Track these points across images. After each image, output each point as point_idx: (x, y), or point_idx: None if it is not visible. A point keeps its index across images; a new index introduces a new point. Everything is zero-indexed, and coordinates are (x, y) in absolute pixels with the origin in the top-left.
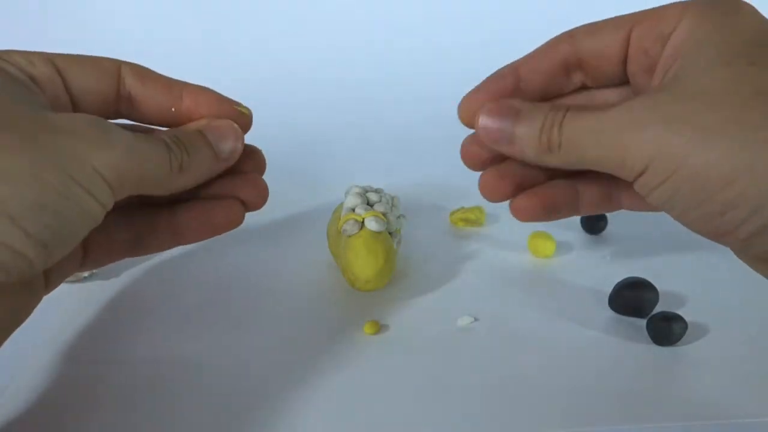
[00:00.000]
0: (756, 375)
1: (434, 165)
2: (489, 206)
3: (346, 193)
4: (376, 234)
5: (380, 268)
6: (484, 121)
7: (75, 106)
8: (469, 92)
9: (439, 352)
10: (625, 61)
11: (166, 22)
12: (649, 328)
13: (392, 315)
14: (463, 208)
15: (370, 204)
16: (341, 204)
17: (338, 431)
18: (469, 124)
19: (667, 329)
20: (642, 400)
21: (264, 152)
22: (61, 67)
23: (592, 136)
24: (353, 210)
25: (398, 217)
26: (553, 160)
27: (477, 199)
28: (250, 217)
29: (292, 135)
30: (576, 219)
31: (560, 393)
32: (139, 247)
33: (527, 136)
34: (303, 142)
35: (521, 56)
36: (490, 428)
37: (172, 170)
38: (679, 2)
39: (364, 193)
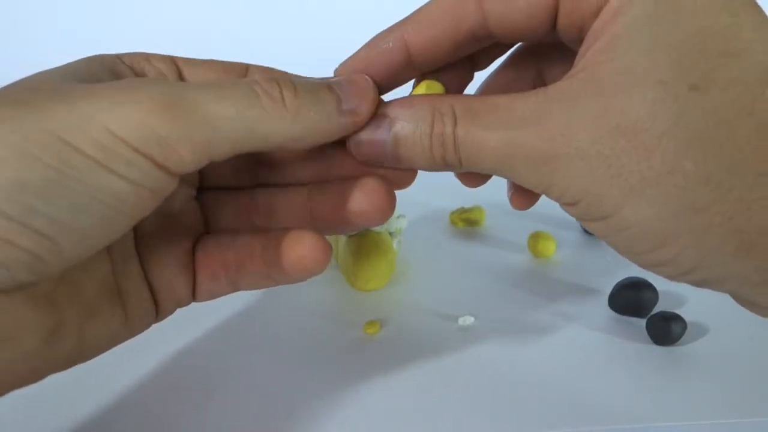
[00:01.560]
0: (756, 375)
1: None
2: (489, 206)
3: None
4: (376, 234)
5: (380, 268)
6: (360, 136)
7: None
8: (348, 60)
9: (439, 352)
10: (554, 29)
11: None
12: (649, 328)
13: (392, 315)
14: (463, 208)
15: None
16: None
17: (338, 431)
18: None
19: (666, 329)
20: (642, 400)
21: None
22: (182, 66)
23: (499, 159)
24: None
25: (398, 217)
26: (456, 171)
27: (477, 199)
28: None
29: None
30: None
31: (560, 393)
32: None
33: (414, 154)
34: None
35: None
36: (490, 428)
37: (267, 112)
38: None
39: None
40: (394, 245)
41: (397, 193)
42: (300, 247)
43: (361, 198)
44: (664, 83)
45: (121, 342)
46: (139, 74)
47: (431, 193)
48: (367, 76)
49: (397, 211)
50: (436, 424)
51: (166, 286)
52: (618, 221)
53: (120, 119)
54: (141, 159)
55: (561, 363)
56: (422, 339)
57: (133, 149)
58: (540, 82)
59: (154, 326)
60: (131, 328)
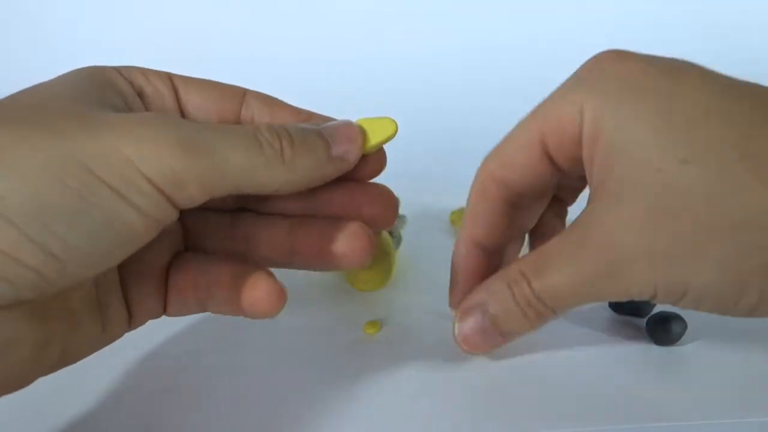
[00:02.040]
0: (756, 375)
1: (434, 165)
2: None
3: None
4: (376, 234)
5: (380, 268)
6: (463, 330)
7: None
8: (451, 291)
9: (440, 352)
10: (560, 169)
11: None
12: (649, 327)
13: (392, 315)
14: (463, 208)
15: None
16: None
17: (338, 431)
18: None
19: (666, 329)
20: (642, 400)
21: None
22: (178, 85)
23: (579, 289)
24: None
25: (398, 217)
26: (554, 317)
27: None
28: None
29: None
30: None
31: (560, 393)
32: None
33: (513, 325)
34: None
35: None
36: (490, 428)
37: (268, 162)
38: (573, 88)
39: None
40: (394, 245)
41: (397, 193)
42: (256, 291)
43: (344, 241)
44: (660, 170)
45: (99, 349)
46: (137, 90)
47: (431, 193)
48: (355, 123)
49: (398, 211)
50: (436, 424)
51: (140, 300)
52: (696, 294)
53: (143, 154)
54: (155, 192)
55: (561, 363)
56: (422, 339)
57: (150, 183)
58: None
59: (152, 324)
60: (107, 337)
